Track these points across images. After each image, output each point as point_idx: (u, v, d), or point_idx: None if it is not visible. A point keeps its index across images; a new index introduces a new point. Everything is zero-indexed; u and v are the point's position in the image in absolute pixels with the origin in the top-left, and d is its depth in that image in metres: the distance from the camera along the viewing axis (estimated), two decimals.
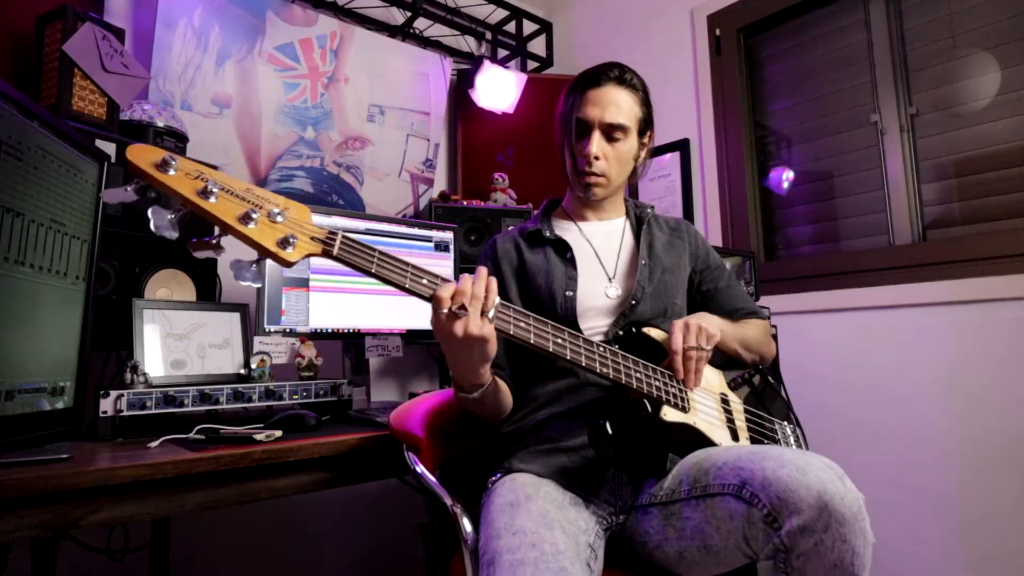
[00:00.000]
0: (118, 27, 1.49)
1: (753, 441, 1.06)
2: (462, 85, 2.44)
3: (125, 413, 1.11)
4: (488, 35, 2.66)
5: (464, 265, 1.87)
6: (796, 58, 2.16)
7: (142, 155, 0.69)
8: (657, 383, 0.97)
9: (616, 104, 1.14)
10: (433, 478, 0.98)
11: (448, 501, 0.95)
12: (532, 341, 0.88)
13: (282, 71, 1.96)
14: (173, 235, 0.72)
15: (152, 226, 0.71)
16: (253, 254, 0.78)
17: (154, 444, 1.04)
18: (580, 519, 0.93)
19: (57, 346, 0.98)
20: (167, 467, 0.91)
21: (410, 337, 1.72)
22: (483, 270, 0.88)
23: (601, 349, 0.94)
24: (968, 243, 1.72)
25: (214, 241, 0.75)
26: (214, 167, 1.48)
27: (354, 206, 2.17)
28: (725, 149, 2.25)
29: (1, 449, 0.86)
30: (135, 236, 1.31)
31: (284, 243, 0.75)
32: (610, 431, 0.92)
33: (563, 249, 1.18)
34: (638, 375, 0.96)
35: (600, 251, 1.21)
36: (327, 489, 1.17)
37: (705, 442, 0.98)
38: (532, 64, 2.73)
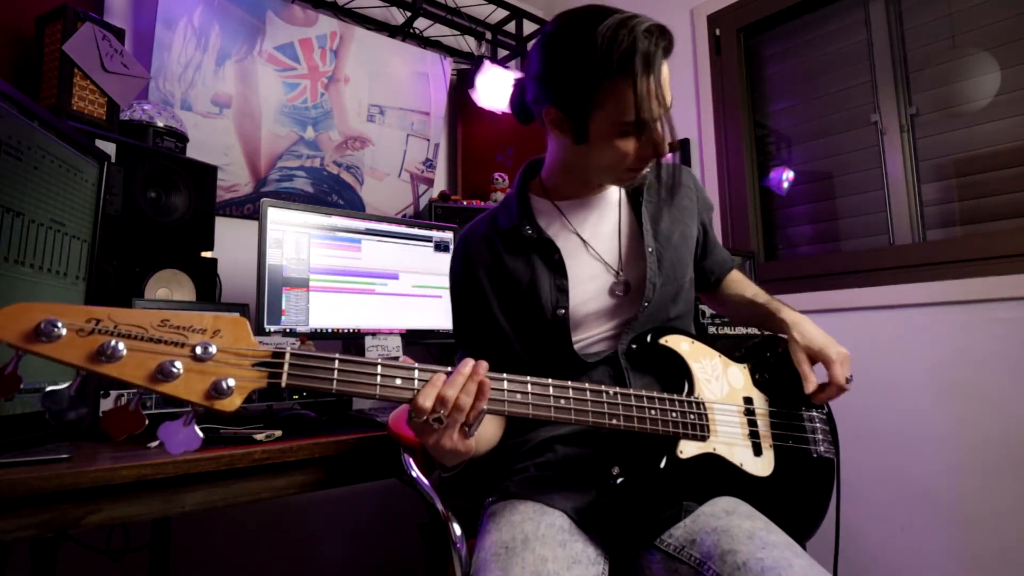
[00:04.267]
0: (118, 27, 1.49)
1: (778, 449, 0.99)
2: (462, 85, 2.44)
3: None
4: (488, 35, 2.66)
5: None
6: (796, 58, 2.16)
7: (10, 326, 0.52)
8: (673, 415, 0.89)
9: (669, 85, 0.89)
10: (427, 481, 0.97)
11: (440, 507, 0.94)
12: (531, 414, 0.79)
13: (282, 71, 1.96)
14: (81, 413, 0.56)
15: (49, 416, 0.54)
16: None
17: (154, 444, 1.03)
18: (588, 550, 0.86)
19: None
20: (167, 467, 0.91)
21: (410, 337, 1.72)
22: (482, 365, 0.74)
23: (610, 394, 0.84)
24: (968, 243, 1.72)
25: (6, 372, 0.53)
26: (214, 167, 1.50)
27: (354, 206, 2.17)
28: (725, 149, 2.25)
29: (1, 449, 0.86)
30: (135, 236, 1.31)
31: (217, 390, 0.60)
32: (621, 485, 0.86)
33: (549, 250, 0.99)
34: (652, 413, 0.87)
35: (593, 242, 1.03)
36: (327, 489, 1.17)
37: (725, 466, 0.93)
38: None
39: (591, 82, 0.85)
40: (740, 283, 1.21)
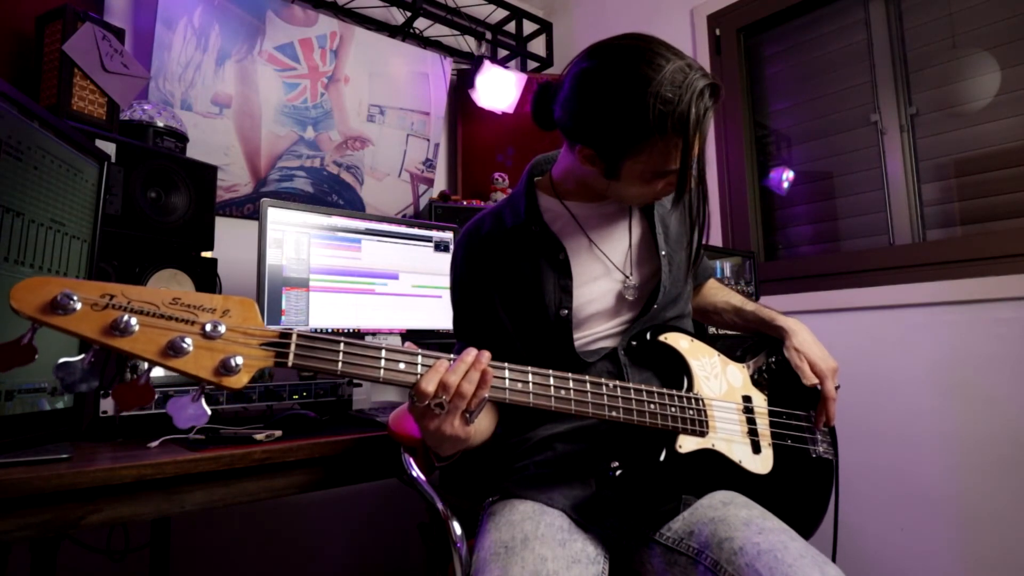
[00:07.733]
0: (118, 27, 1.49)
1: (777, 448, 1.00)
2: (462, 85, 2.44)
3: (125, 413, 1.11)
4: (488, 35, 2.66)
5: None
6: (796, 58, 2.16)
7: (28, 298, 0.53)
8: (672, 409, 0.89)
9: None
10: (426, 479, 0.98)
11: (440, 506, 0.94)
12: (532, 403, 0.80)
13: (282, 71, 1.96)
14: (93, 385, 0.57)
15: (62, 387, 0.55)
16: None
17: (154, 444, 1.04)
18: (587, 549, 0.86)
19: (57, 346, 0.98)
20: (167, 467, 0.92)
21: (410, 337, 1.72)
22: (484, 355, 0.75)
23: (610, 387, 0.85)
24: (968, 243, 1.72)
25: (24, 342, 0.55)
26: (214, 167, 1.50)
27: (354, 206, 2.17)
28: (725, 149, 2.25)
29: (1, 449, 0.86)
30: (135, 236, 1.31)
31: (226, 367, 0.61)
32: (620, 477, 0.86)
33: (554, 249, 0.99)
34: (651, 407, 0.87)
35: (602, 242, 1.02)
36: (327, 489, 1.17)
37: (724, 462, 0.93)
38: (532, 64, 2.73)
39: (637, 138, 0.83)
40: (722, 290, 1.24)
